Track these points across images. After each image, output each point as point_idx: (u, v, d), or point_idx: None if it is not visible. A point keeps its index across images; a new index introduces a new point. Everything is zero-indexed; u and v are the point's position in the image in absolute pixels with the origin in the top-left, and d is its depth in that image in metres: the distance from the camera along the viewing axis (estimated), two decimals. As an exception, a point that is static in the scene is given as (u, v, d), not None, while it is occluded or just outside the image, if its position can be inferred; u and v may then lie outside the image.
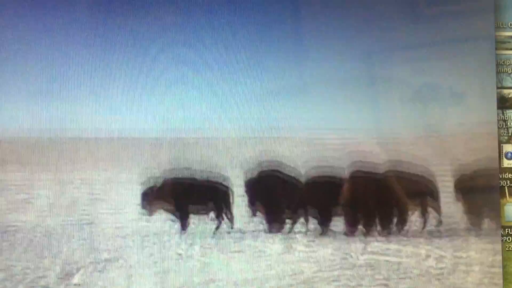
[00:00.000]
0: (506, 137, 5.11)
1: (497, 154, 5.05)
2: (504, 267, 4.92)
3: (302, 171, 13.80)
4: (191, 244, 9.74)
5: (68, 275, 7.41)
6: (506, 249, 4.97)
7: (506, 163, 5.08)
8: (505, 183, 5.05)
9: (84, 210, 16.64)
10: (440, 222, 11.59)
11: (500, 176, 5.14)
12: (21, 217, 15.50)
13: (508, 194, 4.83)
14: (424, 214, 11.68)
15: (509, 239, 4.72)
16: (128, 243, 10.08)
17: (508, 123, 5.08)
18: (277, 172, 12.69)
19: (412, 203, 11.45)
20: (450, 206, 12.27)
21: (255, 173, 12.45)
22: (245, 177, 12.00)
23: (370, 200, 10.70)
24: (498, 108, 5.23)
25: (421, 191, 11.72)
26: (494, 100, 5.24)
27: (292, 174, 12.26)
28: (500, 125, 5.16)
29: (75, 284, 7.03)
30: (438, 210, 11.40)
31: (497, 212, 10.93)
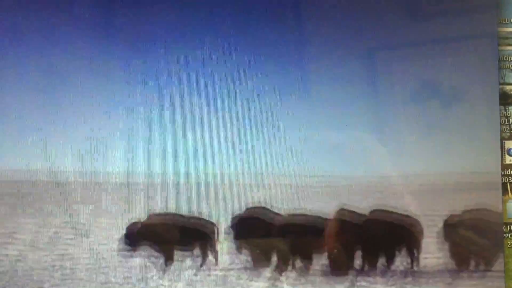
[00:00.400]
0: (508, 134, 5.04)
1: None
2: (506, 264, 4.79)
3: (285, 212, 13.72)
4: (174, 281, 9.58)
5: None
6: (508, 246, 4.86)
7: (508, 159, 5.01)
8: (507, 180, 4.95)
9: (66, 244, 16.36)
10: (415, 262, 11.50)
11: (502, 173, 5.04)
12: (2, 251, 15.17)
13: (510, 190, 4.75)
14: (411, 254, 11.62)
15: (511, 235, 4.63)
16: (109, 279, 9.89)
17: (511, 120, 5.03)
18: (264, 209, 12.63)
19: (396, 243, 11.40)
20: (436, 245, 12.17)
21: (241, 210, 12.39)
22: (231, 214, 11.93)
23: (354, 240, 10.65)
24: (500, 104, 5.17)
25: (406, 232, 11.66)
26: (496, 96, 5.19)
27: (279, 212, 12.19)
28: (502, 121, 5.10)
29: None
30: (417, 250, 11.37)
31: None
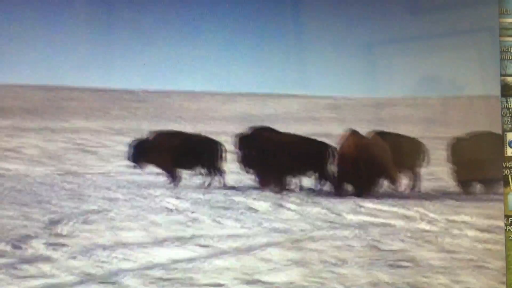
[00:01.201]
0: (510, 125, 5.00)
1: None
2: (507, 256, 4.90)
3: (294, 129, 13.51)
4: (180, 199, 9.71)
5: (53, 224, 7.40)
6: (510, 238, 4.95)
7: (510, 151, 5.01)
8: (508, 172, 4.98)
9: (72, 160, 16.40)
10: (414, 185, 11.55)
11: (504, 165, 5.06)
12: (8, 165, 15.18)
13: (512, 182, 4.84)
14: (415, 176, 11.63)
15: (512, 228, 4.73)
16: (116, 195, 10.03)
17: None
18: (269, 129, 12.45)
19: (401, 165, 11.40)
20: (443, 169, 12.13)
21: (247, 130, 12.23)
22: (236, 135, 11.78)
23: (361, 161, 10.62)
24: (502, 96, 5.08)
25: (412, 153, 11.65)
26: (498, 88, 5.10)
27: (286, 131, 12.01)
28: (504, 113, 5.04)
29: (60, 234, 6.92)
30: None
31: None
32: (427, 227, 7.41)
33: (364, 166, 10.19)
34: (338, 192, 10.24)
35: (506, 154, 4.87)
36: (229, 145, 13.31)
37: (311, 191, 11.02)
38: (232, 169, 13.61)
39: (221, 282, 4.90)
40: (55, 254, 5.58)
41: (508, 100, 5.03)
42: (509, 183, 4.66)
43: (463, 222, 7.93)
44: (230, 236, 6.59)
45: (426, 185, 12.38)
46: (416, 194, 11.29)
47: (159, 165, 12.28)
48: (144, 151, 11.79)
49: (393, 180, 11.07)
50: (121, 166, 16.04)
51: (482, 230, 7.21)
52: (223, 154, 12.34)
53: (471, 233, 7.03)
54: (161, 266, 5.25)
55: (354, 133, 10.70)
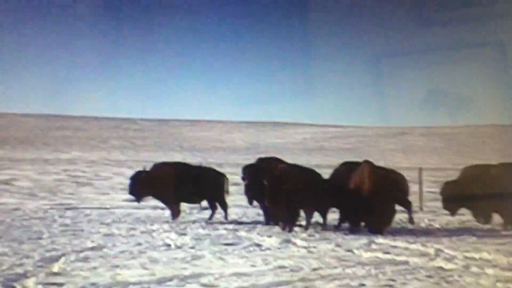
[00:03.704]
0: None
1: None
2: None
3: (304, 160, 13.55)
4: (181, 234, 9.68)
5: (48, 262, 7.36)
6: None
7: None
8: None
9: (66, 193, 16.39)
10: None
11: None
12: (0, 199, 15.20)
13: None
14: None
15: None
16: (113, 231, 10.00)
17: None
18: (278, 160, 12.46)
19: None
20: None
21: (254, 161, 12.21)
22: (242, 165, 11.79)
23: (384, 194, 10.57)
24: None
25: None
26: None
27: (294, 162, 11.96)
28: None
29: (55, 273, 6.81)
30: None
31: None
32: (445, 265, 7.37)
33: (382, 200, 10.12)
34: (355, 230, 10.15)
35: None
36: (232, 176, 13.35)
37: (319, 226, 10.99)
38: (235, 202, 13.61)
39: (226, 324, 4.87)
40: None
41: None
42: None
43: (483, 259, 7.88)
44: (235, 275, 6.56)
45: (441, 220, 12.35)
46: (432, 229, 11.24)
47: (160, 198, 12.30)
48: (145, 184, 11.82)
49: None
50: (119, 199, 16.05)
51: (504, 268, 7.16)
52: (227, 186, 12.36)
53: (491, 271, 6.98)
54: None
55: (368, 164, 10.66)
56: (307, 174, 10.88)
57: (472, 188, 11.15)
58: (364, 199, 10.12)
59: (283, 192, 10.17)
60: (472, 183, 11.32)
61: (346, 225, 10.72)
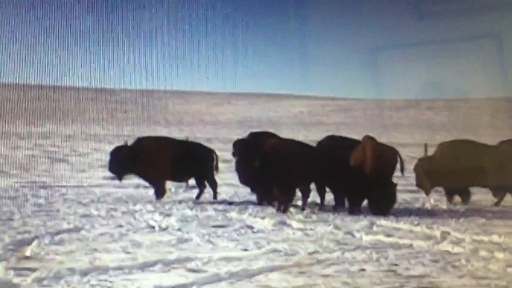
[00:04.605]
0: None
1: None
2: None
3: (301, 135, 13.59)
4: (166, 215, 9.69)
5: (20, 245, 7.36)
6: None
7: None
8: None
9: (40, 170, 16.39)
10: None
11: None
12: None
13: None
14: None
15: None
16: (92, 211, 10.00)
17: None
18: (272, 135, 12.46)
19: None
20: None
21: (246, 135, 12.20)
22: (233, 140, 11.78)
23: (382, 173, 10.61)
24: None
25: None
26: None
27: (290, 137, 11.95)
28: None
29: (27, 257, 6.68)
30: None
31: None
32: (452, 249, 7.42)
33: (387, 181, 10.16)
34: (355, 211, 10.19)
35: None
36: (222, 152, 13.33)
37: (316, 206, 11.03)
38: (225, 180, 13.63)
39: (215, 313, 4.90)
40: (22, 281, 5.55)
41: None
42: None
43: (492, 242, 7.94)
44: (224, 259, 6.58)
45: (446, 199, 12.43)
46: (438, 210, 11.32)
47: (143, 176, 12.26)
48: (126, 161, 11.77)
49: (464, 199, 11.22)
50: (98, 177, 16.04)
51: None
52: (216, 163, 12.35)
53: (501, 255, 7.04)
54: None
55: (371, 141, 10.66)
56: (301, 150, 10.86)
57: (448, 165, 11.18)
58: (366, 178, 10.15)
59: (275, 169, 10.17)
60: (448, 159, 11.36)
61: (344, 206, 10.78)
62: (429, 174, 11.48)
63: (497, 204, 11.57)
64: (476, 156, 11.39)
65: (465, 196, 11.68)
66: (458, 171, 11.10)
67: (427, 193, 11.84)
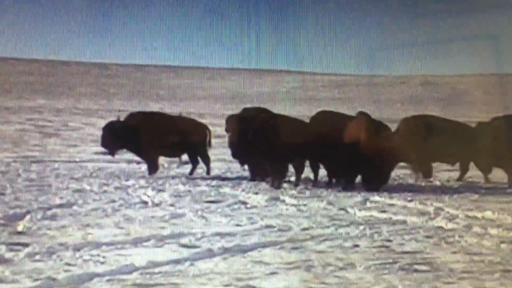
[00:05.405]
0: None
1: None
2: None
3: (294, 111, 13.54)
4: (159, 191, 9.67)
5: (11, 220, 7.34)
6: None
7: None
8: None
9: (31, 145, 16.36)
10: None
11: None
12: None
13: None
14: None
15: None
16: (84, 186, 9.97)
17: None
18: (265, 111, 12.42)
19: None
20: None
21: (240, 111, 12.15)
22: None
23: (377, 151, 10.59)
24: None
25: None
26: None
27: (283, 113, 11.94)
28: None
29: (20, 232, 6.60)
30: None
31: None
32: (445, 225, 7.45)
33: (382, 157, 10.13)
34: (349, 188, 10.20)
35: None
36: (215, 128, 13.29)
37: (310, 182, 11.04)
38: (218, 155, 13.61)
39: (209, 288, 4.89)
40: (15, 256, 5.53)
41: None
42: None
43: (486, 218, 7.98)
44: (218, 235, 6.58)
45: (442, 176, 12.46)
46: (431, 186, 11.35)
47: (136, 151, 12.22)
48: (119, 135, 11.71)
49: (426, 174, 11.19)
50: (90, 152, 15.98)
51: (508, 228, 7.26)
52: (209, 138, 12.32)
53: (495, 231, 7.07)
54: (139, 269, 5.22)
55: (365, 117, 10.63)
56: (294, 125, 10.83)
57: (410, 141, 11.12)
58: (360, 154, 10.13)
59: (268, 145, 10.15)
60: (411, 135, 11.31)
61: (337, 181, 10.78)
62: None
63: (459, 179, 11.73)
64: (439, 133, 11.40)
65: (427, 172, 11.64)
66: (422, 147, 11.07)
67: None
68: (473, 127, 12.06)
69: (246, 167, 11.72)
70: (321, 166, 11.05)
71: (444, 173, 12.48)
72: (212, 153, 12.43)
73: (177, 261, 5.50)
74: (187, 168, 12.36)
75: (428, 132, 11.38)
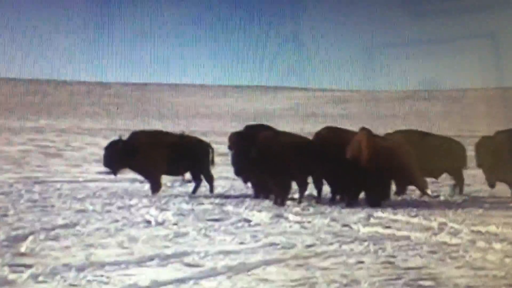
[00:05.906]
0: None
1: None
2: None
3: (297, 128, 13.58)
4: (162, 210, 9.69)
5: (14, 242, 7.36)
6: None
7: None
8: None
9: (34, 165, 16.37)
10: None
11: None
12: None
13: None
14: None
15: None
16: (87, 207, 10.00)
17: None
18: (268, 128, 12.46)
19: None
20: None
21: (242, 128, 12.18)
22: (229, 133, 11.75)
23: (378, 167, 10.60)
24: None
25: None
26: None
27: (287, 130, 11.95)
28: None
29: (23, 253, 6.65)
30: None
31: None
32: (450, 240, 7.45)
33: (382, 172, 10.16)
34: (353, 205, 10.20)
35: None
36: (218, 145, 13.32)
37: (313, 199, 11.05)
38: (221, 173, 13.63)
39: (213, 307, 4.91)
40: (18, 278, 5.55)
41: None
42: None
43: (490, 233, 7.98)
44: (222, 253, 6.60)
45: (446, 191, 12.46)
46: (435, 202, 11.35)
47: (139, 170, 12.24)
48: (121, 155, 11.75)
49: (421, 188, 11.18)
50: (92, 172, 16.01)
51: (512, 242, 7.27)
52: (212, 157, 12.34)
53: (499, 246, 7.08)
54: (142, 289, 5.24)
55: (366, 132, 10.66)
56: (297, 142, 10.87)
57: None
58: (362, 170, 10.15)
59: (271, 162, 10.18)
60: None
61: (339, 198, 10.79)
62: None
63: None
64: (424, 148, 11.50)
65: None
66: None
67: None
68: (456, 140, 12.40)
69: (249, 184, 11.74)
70: (325, 182, 11.07)
71: (448, 187, 12.48)
72: (215, 171, 12.46)
73: (181, 280, 5.53)
74: (190, 186, 12.38)
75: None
